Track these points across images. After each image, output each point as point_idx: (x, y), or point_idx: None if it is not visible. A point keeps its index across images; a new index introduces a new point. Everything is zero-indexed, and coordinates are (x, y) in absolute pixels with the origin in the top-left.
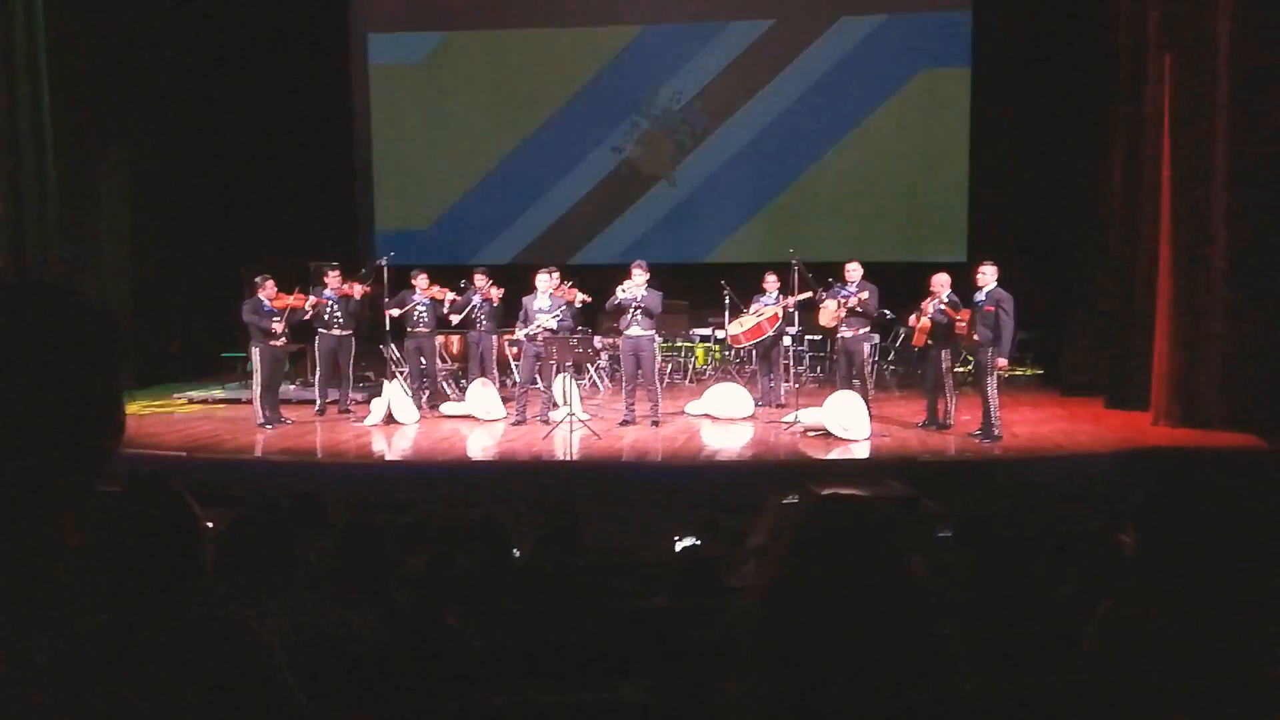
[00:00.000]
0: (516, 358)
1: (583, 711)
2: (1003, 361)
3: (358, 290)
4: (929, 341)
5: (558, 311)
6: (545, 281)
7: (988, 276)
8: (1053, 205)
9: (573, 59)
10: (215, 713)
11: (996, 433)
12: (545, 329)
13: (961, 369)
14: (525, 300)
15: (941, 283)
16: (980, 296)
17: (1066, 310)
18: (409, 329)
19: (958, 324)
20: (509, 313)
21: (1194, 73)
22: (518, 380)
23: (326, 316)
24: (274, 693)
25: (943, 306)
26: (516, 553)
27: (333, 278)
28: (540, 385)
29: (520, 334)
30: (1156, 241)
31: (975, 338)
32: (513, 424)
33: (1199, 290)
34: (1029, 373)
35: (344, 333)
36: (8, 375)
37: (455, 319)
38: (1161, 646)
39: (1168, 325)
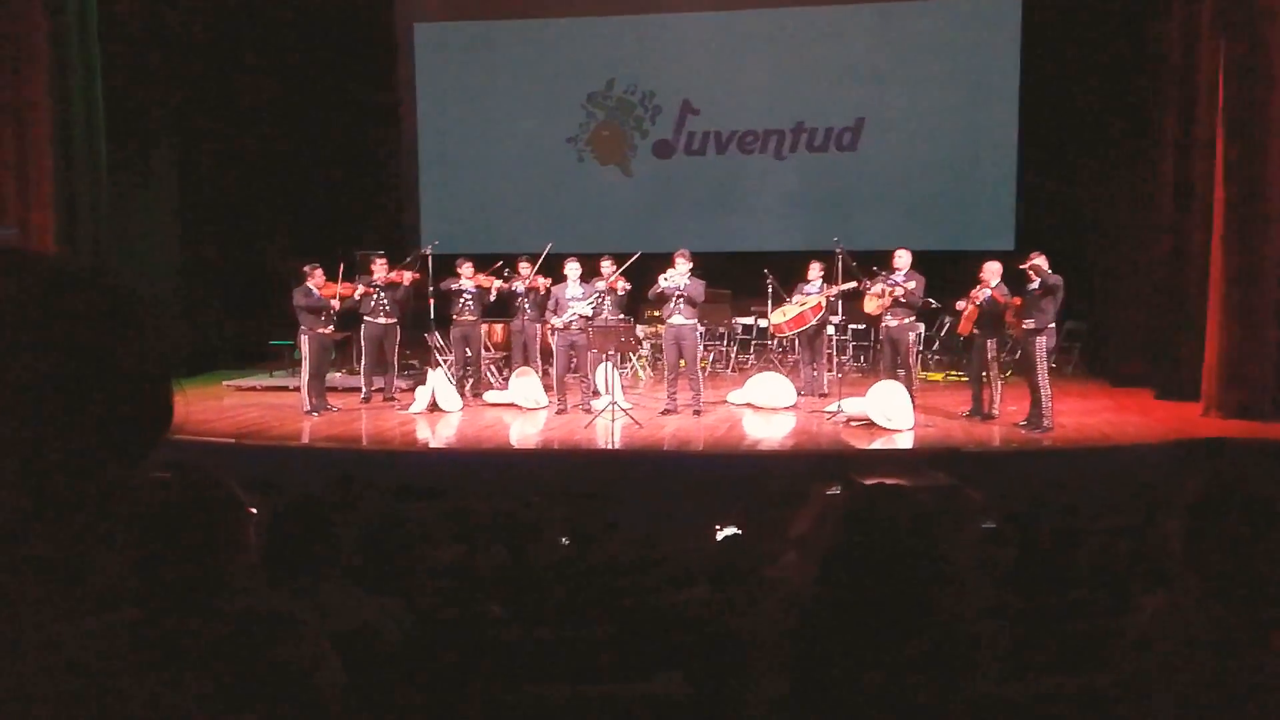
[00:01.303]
0: None
1: (617, 704)
2: (1043, 341)
3: (407, 277)
4: (975, 330)
5: (592, 299)
6: (575, 270)
7: (1040, 268)
8: (1102, 195)
9: (610, 47)
10: (259, 704)
11: (1047, 423)
12: (581, 316)
13: (1009, 358)
14: (555, 289)
15: (993, 270)
16: (1033, 285)
17: (1116, 300)
18: (454, 317)
19: (1008, 312)
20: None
21: (1247, 58)
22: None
23: (373, 304)
24: (319, 685)
25: (989, 293)
26: (566, 541)
27: (379, 266)
28: (578, 375)
29: (556, 322)
30: (1209, 230)
31: (1025, 326)
32: (555, 413)
33: (1252, 280)
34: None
35: (390, 321)
36: (53, 359)
37: (521, 283)
38: (1208, 646)
39: (1219, 315)
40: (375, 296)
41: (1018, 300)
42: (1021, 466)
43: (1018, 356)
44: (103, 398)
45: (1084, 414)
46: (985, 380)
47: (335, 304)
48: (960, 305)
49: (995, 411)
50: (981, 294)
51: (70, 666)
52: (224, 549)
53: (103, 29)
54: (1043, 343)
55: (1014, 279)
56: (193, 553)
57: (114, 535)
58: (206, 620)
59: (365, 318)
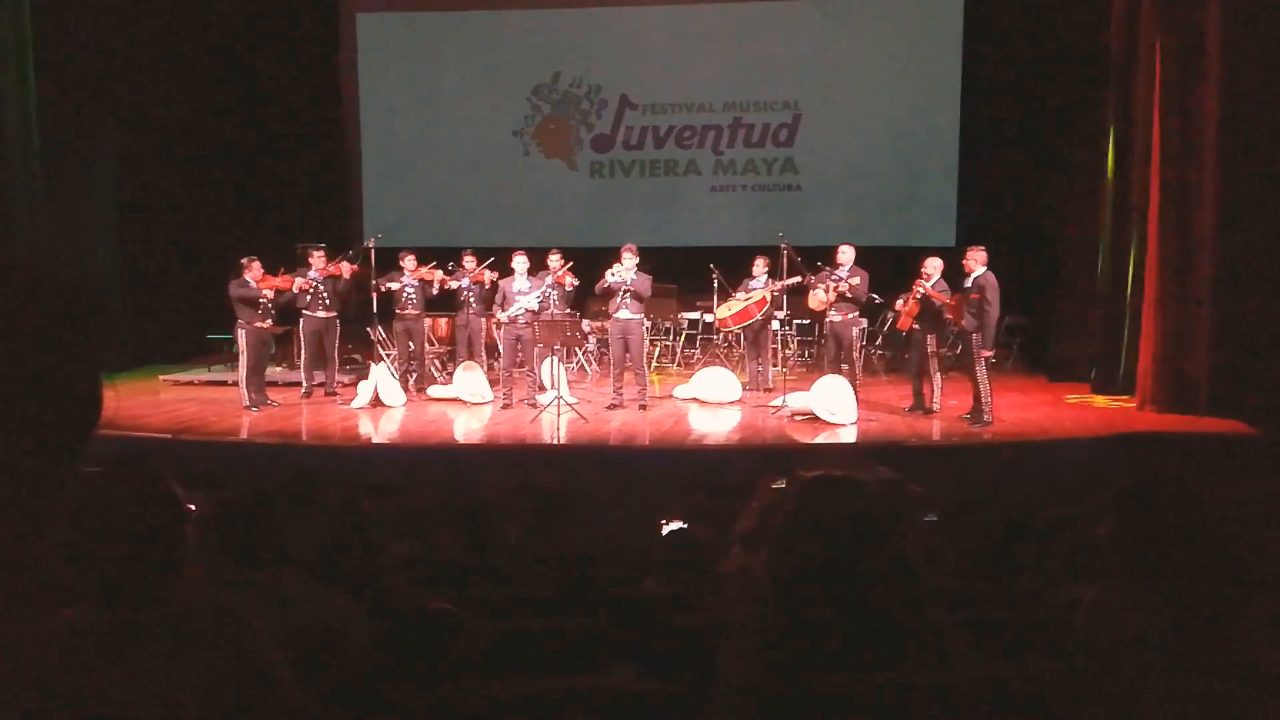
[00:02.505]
0: None
1: (570, 698)
2: (986, 353)
3: (346, 269)
4: (915, 325)
5: (538, 294)
6: (522, 264)
7: (975, 262)
8: (1042, 191)
9: (555, 40)
10: (203, 699)
11: (987, 418)
12: (528, 310)
13: (950, 353)
14: (502, 283)
15: (935, 266)
16: (968, 282)
17: (1054, 295)
18: (397, 311)
19: (945, 310)
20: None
21: (1184, 58)
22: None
23: (311, 298)
24: (264, 679)
25: (924, 290)
26: (515, 536)
27: (318, 258)
28: (523, 369)
29: (501, 317)
30: (1145, 227)
31: (963, 323)
32: (500, 407)
33: (1187, 277)
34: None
35: (329, 314)
36: None
37: (453, 283)
38: (1146, 633)
39: (1155, 311)
40: (313, 289)
41: (957, 297)
42: (962, 460)
43: (958, 352)
44: (35, 393)
45: (1023, 408)
46: (925, 375)
47: (268, 295)
48: (899, 302)
49: (936, 406)
50: (921, 286)
51: (19, 661)
52: (161, 545)
53: (37, 17)
54: (977, 341)
55: (952, 276)
56: (129, 549)
57: (53, 532)
58: (148, 615)
59: (303, 311)
